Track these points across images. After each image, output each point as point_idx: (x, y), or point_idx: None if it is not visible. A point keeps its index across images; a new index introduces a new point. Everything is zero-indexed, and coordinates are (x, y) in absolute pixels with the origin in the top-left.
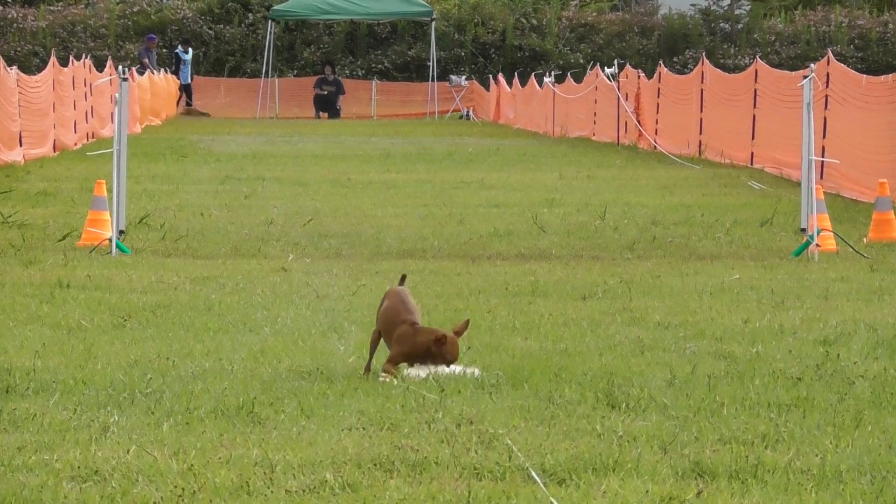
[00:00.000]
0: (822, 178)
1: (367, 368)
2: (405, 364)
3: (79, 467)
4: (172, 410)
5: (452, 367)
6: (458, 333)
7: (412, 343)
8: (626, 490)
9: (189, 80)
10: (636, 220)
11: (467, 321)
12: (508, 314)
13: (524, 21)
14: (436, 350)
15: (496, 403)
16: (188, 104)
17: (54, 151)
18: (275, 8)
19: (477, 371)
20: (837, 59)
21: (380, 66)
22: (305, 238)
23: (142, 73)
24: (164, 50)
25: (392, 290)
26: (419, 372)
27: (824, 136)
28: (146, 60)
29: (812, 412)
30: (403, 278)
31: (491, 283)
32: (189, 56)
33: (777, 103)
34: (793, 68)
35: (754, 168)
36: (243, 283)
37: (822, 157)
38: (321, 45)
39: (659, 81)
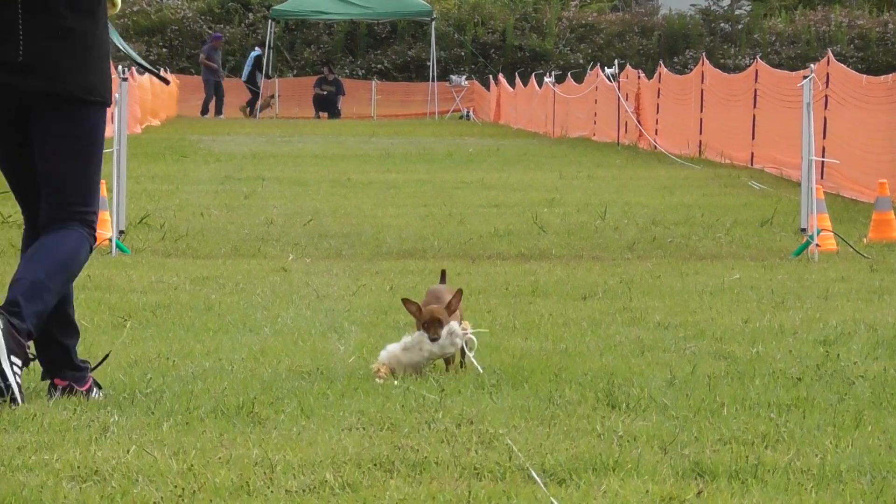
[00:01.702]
0: (822, 178)
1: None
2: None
3: (79, 467)
4: (172, 410)
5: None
6: (451, 309)
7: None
8: (626, 490)
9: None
10: (636, 220)
11: (459, 290)
12: (508, 314)
13: (524, 21)
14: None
15: (496, 403)
16: (248, 107)
17: None
18: (275, 8)
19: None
20: (837, 59)
21: (380, 66)
22: (305, 238)
23: (212, 78)
24: (165, 49)
25: (430, 290)
26: (396, 345)
27: (824, 136)
28: (213, 63)
29: (812, 412)
30: (444, 274)
31: (491, 283)
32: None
33: (777, 103)
34: (793, 68)
35: (754, 168)
36: (243, 283)
37: (822, 157)
38: (321, 45)
39: (659, 81)
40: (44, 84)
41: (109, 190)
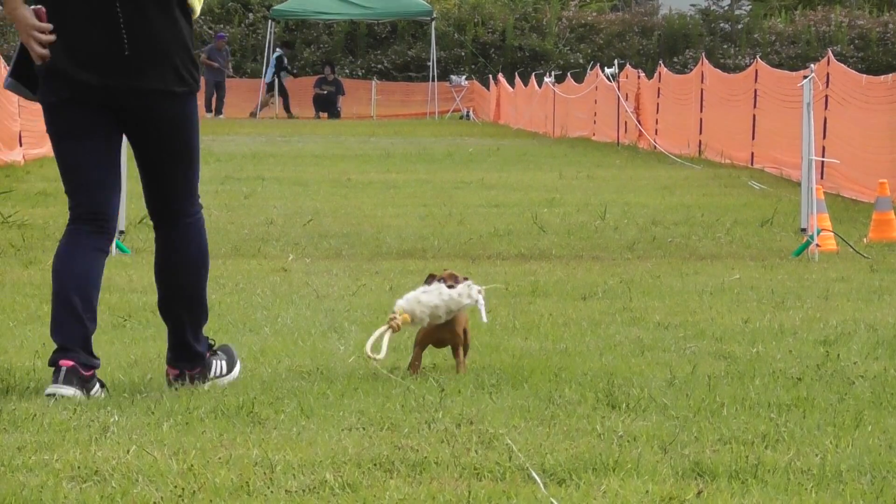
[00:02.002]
0: (822, 178)
1: (414, 367)
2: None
3: (79, 467)
4: (172, 410)
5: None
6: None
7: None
8: (626, 490)
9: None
10: (636, 220)
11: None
12: (508, 314)
13: (524, 21)
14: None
15: (496, 403)
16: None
17: None
18: (275, 8)
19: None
20: (837, 59)
21: (380, 66)
22: (305, 238)
23: (212, 77)
24: None
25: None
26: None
27: (824, 136)
28: (214, 63)
29: (812, 412)
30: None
31: (491, 282)
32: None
33: (777, 103)
34: (793, 68)
35: (754, 168)
36: (243, 283)
37: (822, 157)
38: (321, 45)
39: (659, 81)
40: (146, 79)
41: None
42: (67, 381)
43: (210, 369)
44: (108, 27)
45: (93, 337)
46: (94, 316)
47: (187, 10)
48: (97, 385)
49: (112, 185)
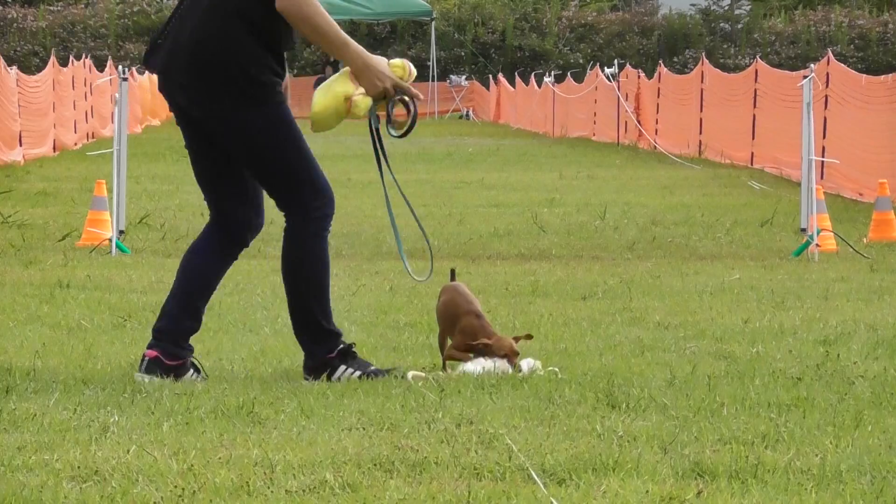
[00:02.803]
0: (822, 178)
1: (445, 369)
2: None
3: (79, 467)
4: (172, 410)
5: (521, 366)
6: (516, 340)
7: (474, 337)
8: (626, 490)
9: None
10: (636, 220)
11: (530, 336)
12: (508, 314)
13: (524, 21)
14: (486, 351)
15: (496, 403)
16: None
17: (54, 151)
18: None
19: (538, 365)
20: (837, 59)
21: None
22: None
23: None
24: None
25: (446, 286)
26: (476, 367)
27: (824, 136)
28: None
29: (812, 412)
30: (453, 273)
31: (491, 283)
32: None
33: (777, 103)
34: (793, 68)
35: (754, 168)
36: (243, 283)
37: (822, 157)
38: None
39: (659, 81)
40: (182, 98)
41: (110, 190)
42: (149, 371)
43: (336, 370)
44: (174, 40)
45: (190, 335)
46: (197, 316)
47: (250, 29)
48: (190, 371)
49: (231, 195)
